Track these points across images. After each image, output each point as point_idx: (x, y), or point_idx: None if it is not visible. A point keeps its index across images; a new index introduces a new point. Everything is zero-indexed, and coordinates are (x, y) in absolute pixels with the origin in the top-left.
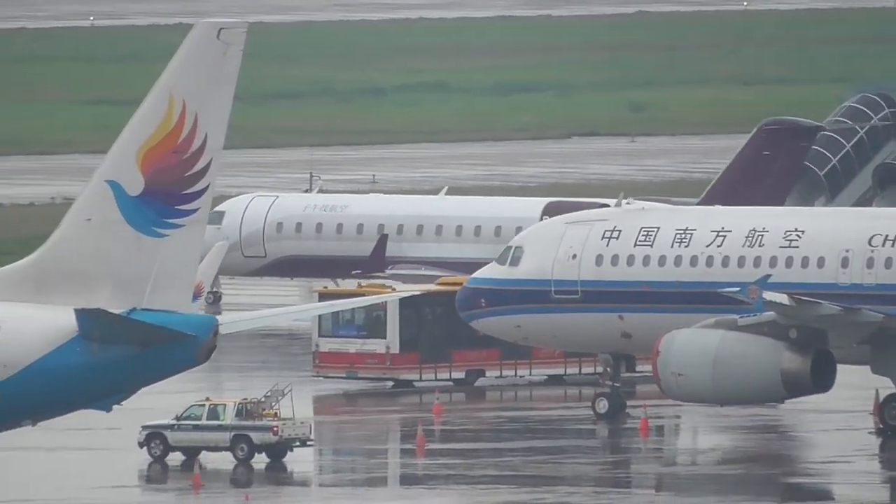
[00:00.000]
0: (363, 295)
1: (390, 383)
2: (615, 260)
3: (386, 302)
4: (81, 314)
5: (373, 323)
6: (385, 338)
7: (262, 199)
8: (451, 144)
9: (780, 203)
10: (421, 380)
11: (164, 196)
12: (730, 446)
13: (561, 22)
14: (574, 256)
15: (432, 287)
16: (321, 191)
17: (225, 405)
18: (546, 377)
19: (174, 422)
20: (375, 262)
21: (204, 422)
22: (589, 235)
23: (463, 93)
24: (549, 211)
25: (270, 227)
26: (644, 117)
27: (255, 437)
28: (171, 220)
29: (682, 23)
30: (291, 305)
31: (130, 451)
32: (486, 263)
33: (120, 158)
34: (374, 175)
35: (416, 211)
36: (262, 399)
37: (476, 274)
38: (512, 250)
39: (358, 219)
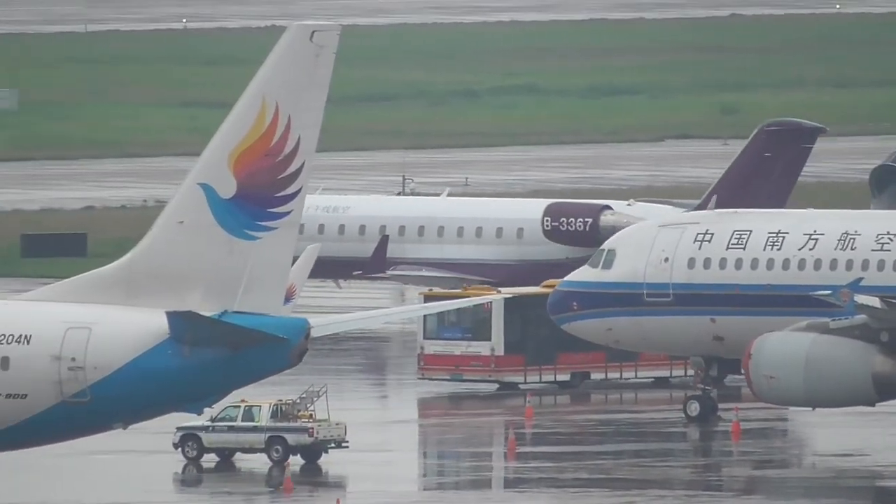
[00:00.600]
0: (467, 297)
1: (496, 386)
2: (707, 263)
3: (491, 304)
4: (173, 317)
5: (478, 325)
6: (490, 340)
7: None
8: (544, 147)
9: (782, 205)
10: (526, 382)
11: (257, 199)
12: (822, 449)
13: (653, 25)
14: (666, 259)
15: (538, 289)
16: (413, 193)
17: (259, 406)
18: (652, 379)
19: (209, 423)
20: (377, 262)
21: (239, 423)
22: (681, 238)
23: (555, 95)
24: (550, 212)
25: None
26: (736, 120)
27: (291, 438)
28: (263, 223)
29: (774, 25)
30: (383, 308)
31: (164, 452)
32: (487, 265)
33: (212, 161)
34: (466, 178)
35: (417, 212)
36: (297, 400)
37: (568, 277)
38: (604, 253)
39: (360, 220)
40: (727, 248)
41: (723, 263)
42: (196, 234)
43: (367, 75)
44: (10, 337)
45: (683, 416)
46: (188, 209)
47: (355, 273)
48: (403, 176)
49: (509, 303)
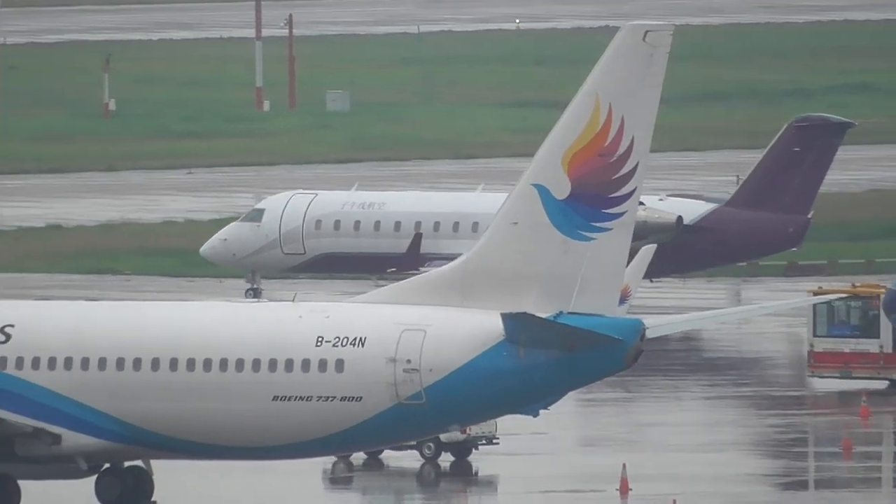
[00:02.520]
0: (856, 295)
1: (885, 383)
2: None
3: (880, 300)
4: (508, 318)
5: (867, 322)
6: (878, 337)
7: (302, 197)
8: (878, 146)
9: (811, 200)
10: None
11: (591, 199)
12: None
13: None
14: None
15: None
16: None
17: None
18: None
19: None
20: (411, 258)
21: None
22: None
23: (890, 95)
24: None
25: (309, 224)
26: None
27: (444, 435)
28: (598, 224)
29: None
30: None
31: None
32: None
33: (546, 162)
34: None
35: (452, 208)
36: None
37: None
38: None
39: (395, 216)
40: None
41: None
42: (530, 235)
43: (700, 74)
44: (346, 339)
45: None
46: (523, 210)
47: (389, 270)
48: (737, 176)
49: None
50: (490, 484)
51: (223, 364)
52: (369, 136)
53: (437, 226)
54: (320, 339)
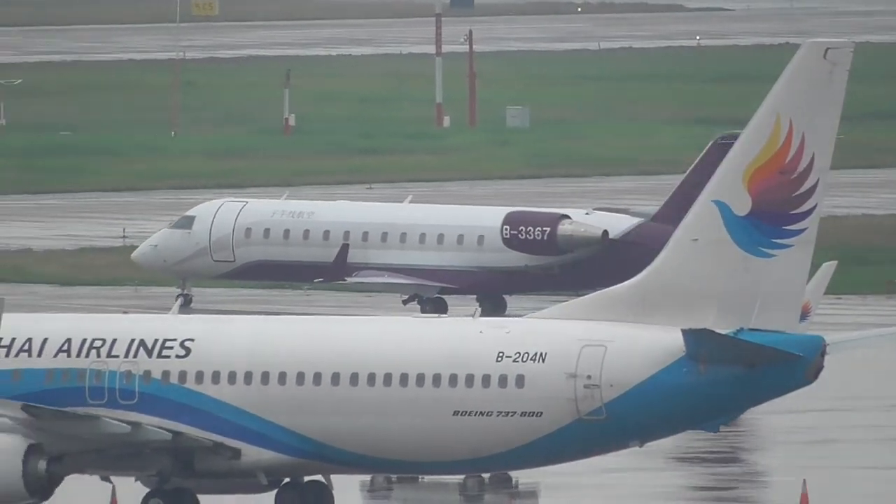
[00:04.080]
0: None
1: None
2: None
3: None
4: (689, 334)
5: None
6: None
7: (232, 205)
8: None
9: None
10: None
11: (772, 216)
12: None
13: None
14: None
15: None
16: None
17: None
18: None
19: None
20: (338, 269)
21: None
22: None
23: None
24: (509, 221)
25: (239, 232)
26: None
27: None
28: (779, 241)
29: None
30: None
31: None
32: (447, 271)
33: (727, 178)
34: None
35: (380, 218)
36: None
37: None
38: None
39: (324, 225)
40: None
41: None
42: (710, 251)
43: (879, 92)
44: (526, 355)
45: None
46: (703, 227)
47: (316, 280)
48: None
49: None
50: (532, 495)
51: (403, 379)
52: (549, 152)
53: (365, 235)
54: (501, 354)
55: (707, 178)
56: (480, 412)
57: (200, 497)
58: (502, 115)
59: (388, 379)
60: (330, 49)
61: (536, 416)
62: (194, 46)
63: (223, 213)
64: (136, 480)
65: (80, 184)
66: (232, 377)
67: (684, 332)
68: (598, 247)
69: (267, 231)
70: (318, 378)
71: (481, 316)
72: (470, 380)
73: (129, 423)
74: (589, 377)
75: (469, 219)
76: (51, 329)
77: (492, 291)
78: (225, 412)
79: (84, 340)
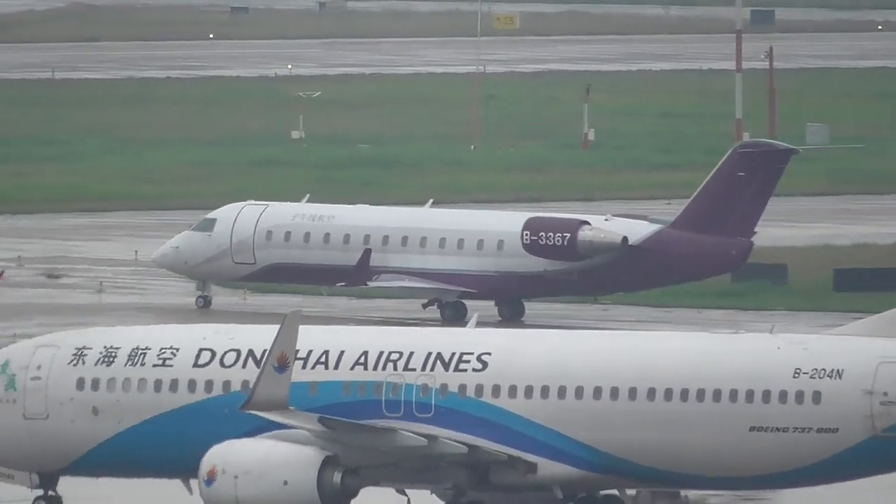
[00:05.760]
0: None
1: None
2: None
3: None
4: None
5: None
6: None
7: (253, 208)
8: None
9: (753, 225)
10: None
11: None
12: None
13: None
14: None
15: None
16: None
17: None
18: None
19: None
20: (359, 273)
21: None
22: None
23: None
24: (530, 226)
25: (260, 235)
26: None
27: None
28: None
29: None
30: None
31: None
32: (467, 275)
33: None
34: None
35: (401, 223)
36: None
37: None
38: None
39: (344, 229)
40: None
41: None
42: None
43: None
44: (823, 371)
45: None
46: None
47: (338, 284)
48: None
49: None
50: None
51: (700, 394)
52: (849, 169)
53: (385, 240)
54: (798, 370)
55: (725, 187)
56: (777, 428)
57: None
58: (802, 131)
59: (684, 394)
60: (630, 64)
61: (832, 432)
62: (495, 60)
63: (244, 216)
64: (431, 493)
65: (379, 196)
66: (529, 391)
67: None
68: (617, 253)
69: (288, 234)
70: (614, 393)
71: (500, 322)
72: (767, 395)
73: (425, 436)
74: (885, 394)
75: (489, 224)
76: (347, 342)
77: (511, 296)
78: (521, 426)
79: (381, 353)
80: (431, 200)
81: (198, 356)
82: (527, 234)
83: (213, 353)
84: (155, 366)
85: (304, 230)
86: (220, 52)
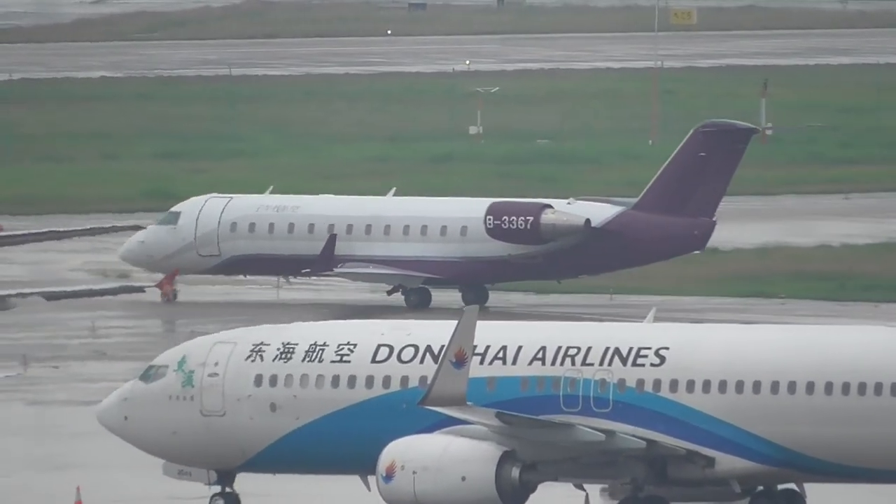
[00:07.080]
0: None
1: None
2: None
3: None
4: None
5: None
6: None
7: (217, 200)
8: None
9: (715, 204)
10: None
11: None
12: None
13: None
14: None
15: None
16: None
17: None
18: None
19: None
20: (324, 261)
21: None
22: None
23: None
24: (492, 211)
25: (224, 226)
26: None
27: None
28: None
29: None
30: None
31: None
32: (431, 262)
33: None
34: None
35: (364, 211)
36: None
37: None
38: None
39: (308, 219)
40: None
41: None
42: None
43: None
44: None
45: None
46: None
47: (304, 271)
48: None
49: None
50: None
51: (878, 388)
52: None
53: (349, 228)
54: None
55: (687, 167)
56: None
57: None
58: None
59: (862, 388)
60: (808, 59)
61: None
62: (673, 55)
63: (208, 209)
64: (601, 493)
65: (555, 191)
66: (706, 386)
67: None
68: (580, 235)
69: (252, 225)
70: (792, 387)
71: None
72: None
73: (603, 431)
74: None
75: (452, 210)
76: (525, 337)
77: (475, 281)
78: (699, 421)
79: (559, 348)
80: (394, 189)
81: (376, 352)
82: (490, 219)
83: (392, 349)
84: (333, 362)
85: (268, 221)
86: (398, 49)
